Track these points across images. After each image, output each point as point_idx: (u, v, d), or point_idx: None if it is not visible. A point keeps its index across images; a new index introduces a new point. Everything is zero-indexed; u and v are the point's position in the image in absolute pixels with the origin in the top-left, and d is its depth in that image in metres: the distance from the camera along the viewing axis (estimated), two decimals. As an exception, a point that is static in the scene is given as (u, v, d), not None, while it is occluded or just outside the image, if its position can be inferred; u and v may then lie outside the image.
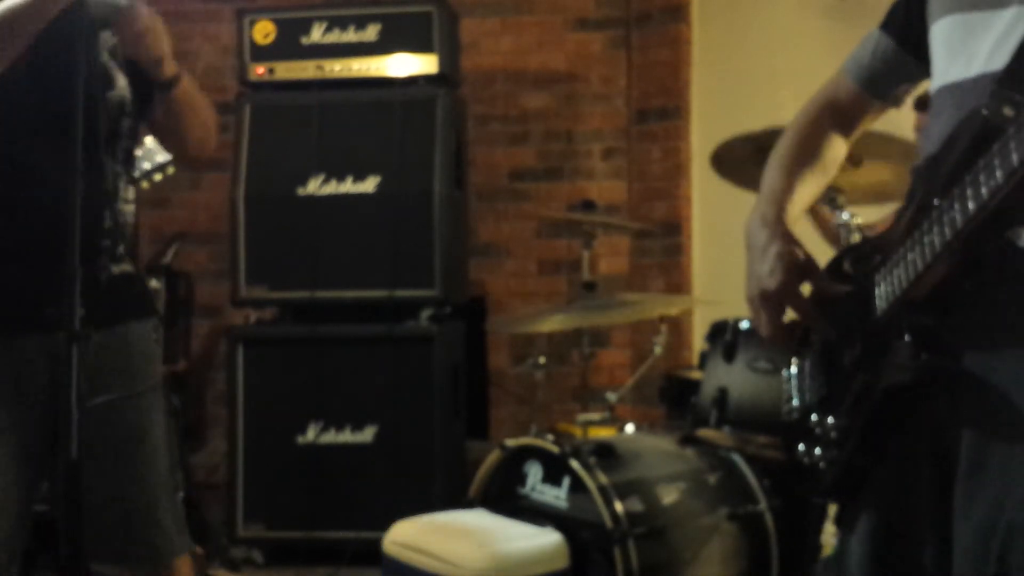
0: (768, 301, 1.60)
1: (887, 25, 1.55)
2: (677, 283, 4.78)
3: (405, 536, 2.90)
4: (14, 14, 1.87)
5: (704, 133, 4.79)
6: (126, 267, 2.09)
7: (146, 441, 2.07)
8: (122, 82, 2.07)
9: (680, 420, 3.39)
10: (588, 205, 3.84)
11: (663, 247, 4.81)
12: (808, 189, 1.63)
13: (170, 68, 2.00)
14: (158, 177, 3.08)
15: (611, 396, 3.77)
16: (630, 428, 3.47)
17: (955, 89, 1.32)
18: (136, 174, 3.08)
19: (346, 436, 3.90)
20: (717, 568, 2.93)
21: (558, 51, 4.89)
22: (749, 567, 2.98)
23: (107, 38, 2.07)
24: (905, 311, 1.29)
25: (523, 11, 4.89)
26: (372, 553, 3.08)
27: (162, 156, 3.08)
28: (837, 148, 1.60)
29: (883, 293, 1.34)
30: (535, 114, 4.90)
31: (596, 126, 4.88)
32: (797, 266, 1.55)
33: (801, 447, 1.49)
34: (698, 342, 4.51)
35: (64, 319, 1.66)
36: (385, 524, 3.01)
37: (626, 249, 4.85)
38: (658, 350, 3.84)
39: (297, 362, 3.96)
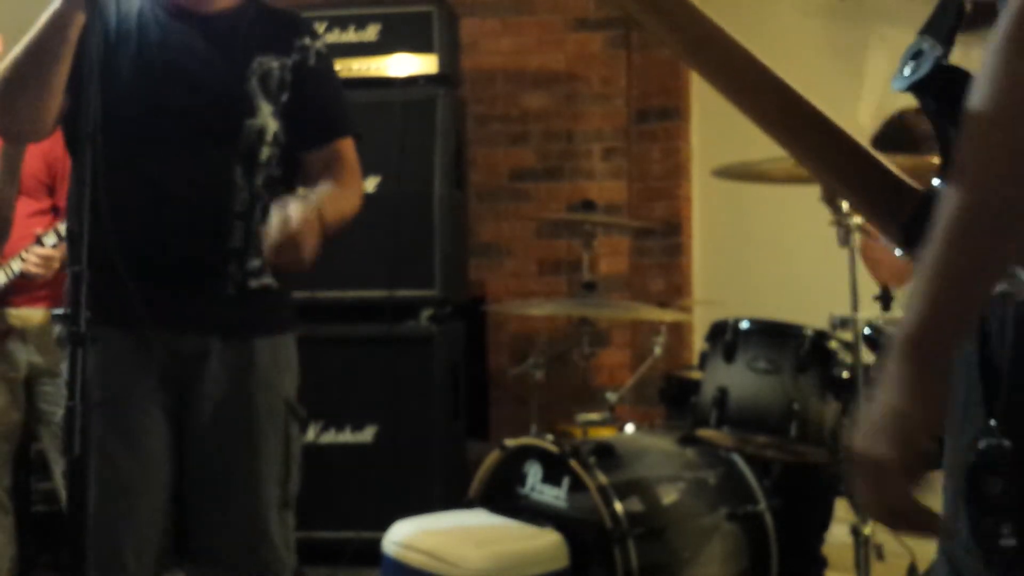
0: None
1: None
2: (677, 283, 4.78)
3: (405, 536, 2.90)
4: (36, 43, 1.94)
5: (704, 133, 4.80)
6: (267, 281, 2.15)
7: (255, 453, 2.10)
8: (267, 111, 2.12)
9: (680, 420, 3.39)
10: (588, 205, 3.84)
11: (663, 247, 4.81)
12: None
13: (317, 237, 1.95)
14: None
15: (611, 396, 3.78)
16: (630, 428, 3.47)
17: None
18: None
19: (346, 436, 3.90)
20: (717, 568, 2.93)
21: (558, 51, 4.89)
22: (749, 567, 2.98)
23: (260, 64, 2.12)
24: None
25: (523, 11, 4.89)
26: (372, 553, 3.08)
27: None
28: None
29: None
30: (535, 114, 4.90)
31: (596, 126, 4.87)
32: None
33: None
34: (698, 342, 4.51)
35: (76, 320, 1.70)
36: (385, 524, 3.01)
37: (626, 249, 4.85)
38: (658, 350, 3.85)
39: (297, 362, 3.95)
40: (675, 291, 4.76)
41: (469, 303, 4.37)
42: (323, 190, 2.10)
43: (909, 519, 1.03)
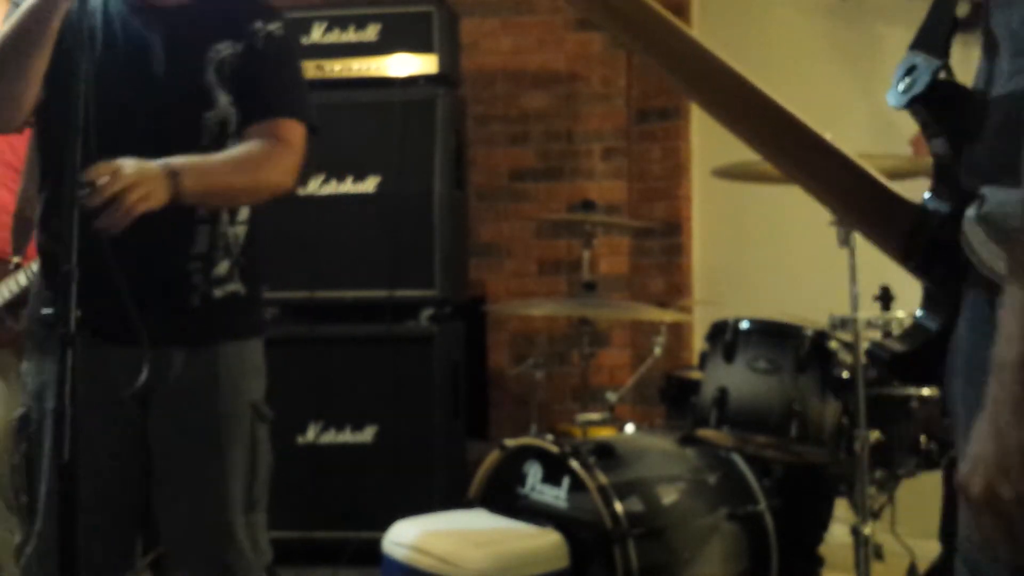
0: None
1: None
2: (677, 283, 4.79)
3: (405, 536, 2.90)
4: (18, 29, 1.90)
5: (704, 133, 4.80)
6: (234, 288, 2.12)
7: (220, 457, 2.10)
8: (224, 100, 2.08)
9: (680, 420, 3.39)
10: (588, 205, 3.84)
11: (663, 247, 4.82)
12: None
13: (159, 200, 1.88)
14: None
15: (611, 396, 3.78)
16: (630, 428, 3.47)
17: None
18: None
19: (346, 436, 3.90)
20: (717, 568, 2.93)
21: (558, 51, 4.89)
22: (749, 567, 2.98)
23: (216, 53, 2.08)
24: None
25: (523, 11, 4.89)
26: (372, 553, 3.08)
27: None
28: None
29: None
30: (535, 114, 4.89)
31: (596, 126, 4.87)
32: None
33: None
34: (698, 342, 4.51)
35: (63, 322, 1.67)
36: (385, 524, 3.01)
37: (626, 249, 4.85)
38: (658, 350, 3.85)
39: (297, 362, 3.96)
40: (675, 291, 4.76)
41: (469, 303, 4.37)
42: (215, 156, 2.02)
43: None
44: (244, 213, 2.15)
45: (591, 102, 4.88)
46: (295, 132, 2.14)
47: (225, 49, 2.10)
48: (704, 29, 4.81)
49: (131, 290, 1.89)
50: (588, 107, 4.88)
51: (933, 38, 1.15)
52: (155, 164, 1.89)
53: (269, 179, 2.08)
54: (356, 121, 4.00)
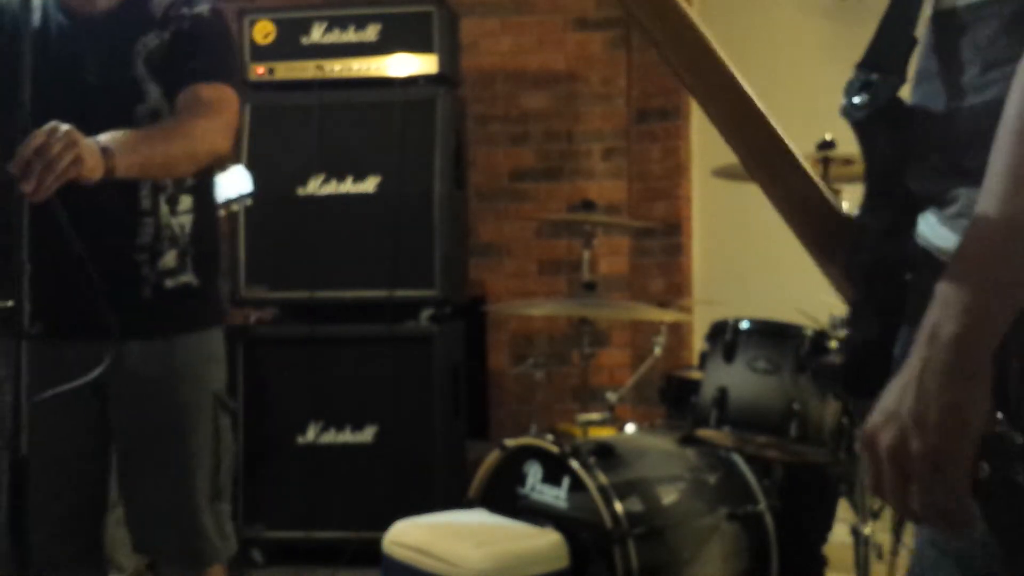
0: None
1: None
2: (677, 283, 4.79)
3: (405, 536, 2.90)
4: None
5: (704, 133, 4.80)
6: (186, 279, 2.13)
7: (183, 447, 2.11)
8: (156, 92, 2.09)
9: (680, 420, 3.39)
10: (588, 205, 3.84)
11: (663, 247, 4.82)
12: None
13: (91, 170, 1.84)
14: (235, 208, 3.23)
15: (611, 396, 3.78)
16: (630, 428, 3.47)
17: None
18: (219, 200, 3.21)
19: (346, 436, 3.90)
20: (717, 568, 2.93)
21: (558, 51, 4.89)
22: (749, 567, 2.98)
23: (144, 46, 2.08)
24: None
25: (523, 11, 4.89)
26: (372, 553, 3.08)
27: (244, 186, 3.18)
28: None
29: None
30: (535, 114, 4.90)
31: (596, 126, 4.87)
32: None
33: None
34: (698, 342, 4.51)
35: (17, 318, 1.68)
36: (385, 524, 3.01)
37: (626, 249, 4.85)
38: (658, 350, 3.85)
39: (297, 362, 3.96)
40: (675, 291, 4.76)
41: (469, 303, 4.37)
42: (143, 129, 2.00)
43: (954, 520, 0.93)
44: (186, 203, 2.15)
45: (591, 102, 4.88)
46: (222, 94, 2.11)
47: (152, 40, 2.10)
48: (704, 29, 4.80)
49: (82, 284, 1.92)
50: (588, 107, 4.88)
51: (889, 58, 1.19)
52: (73, 136, 1.84)
53: (202, 144, 2.06)
54: (356, 121, 4.00)
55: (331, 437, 3.90)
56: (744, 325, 3.03)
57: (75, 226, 1.91)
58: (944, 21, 1.15)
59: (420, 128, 3.96)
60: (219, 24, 2.22)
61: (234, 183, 3.29)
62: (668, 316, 4.00)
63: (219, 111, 2.09)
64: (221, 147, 2.10)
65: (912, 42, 1.18)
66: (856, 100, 1.20)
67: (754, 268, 4.53)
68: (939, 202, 1.11)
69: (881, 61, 1.21)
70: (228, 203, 3.28)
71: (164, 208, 2.11)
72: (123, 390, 2.09)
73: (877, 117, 1.19)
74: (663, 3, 1.33)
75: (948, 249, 1.06)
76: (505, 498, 3.02)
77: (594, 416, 3.69)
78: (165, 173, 2.06)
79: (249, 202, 3.30)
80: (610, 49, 4.86)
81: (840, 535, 3.22)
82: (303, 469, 3.88)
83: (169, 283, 2.12)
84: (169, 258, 2.11)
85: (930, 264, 1.08)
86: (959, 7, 1.12)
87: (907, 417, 0.94)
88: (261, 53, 4.07)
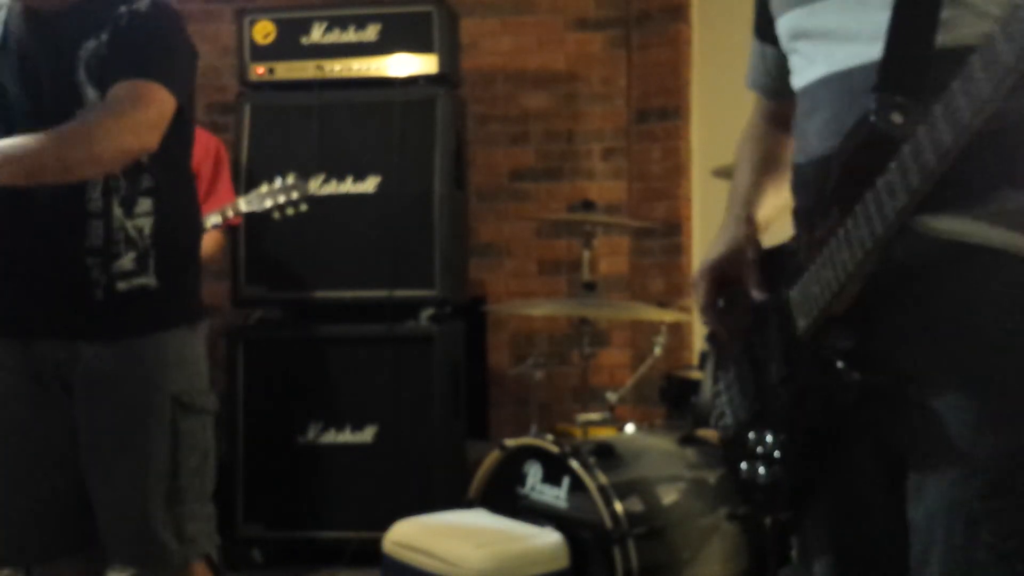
0: (703, 275, 1.61)
1: (758, 30, 1.57)
2: (677, 283, 4.78)
3: (405, 536, 2.90)
4: None
5: (704, 133, 4.79)
6: (143, 281, 2.11)
7: (133, 450, 2.10)
8: (92, 96, 2.06)
9: (680, 420, 3.39)
10: (588, 205, 3.84)
11: (663, 247, 4.81)
12: (774, 192, 1.61)
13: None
14: (290, 211, 3.26)
15: (611, 396, 3.78)
16: (630, 428, 3.47)
17: (828, 83, 1.34)
18: (269, 204, 3.20)
19: (346, 436, 3.90)
20: (717, 568, 2.93)
21: (558, 51, 4.89)
22: (748, 567, 2.98)
23: (86, 51, 2.07)
24: (828, 329, 1.30)
25: (523, 11, 4.89)
26: (372, 553, 3.08)
27: (297, 192, 3.21)
28: (791, 146, 1.55)
29: (802, 309, 1.35)
30: (535, 114, 4.90)
31: (596, 126, 4.88)
32: (742, 253, 1.52)
33: (744, 466, 1.46)
34: (698, 342, 4.51)
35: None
36: (385, 524, 3.01)
37: (626, 249, 4.85)
38: (658, 350, 3.84)
39: (297, 362, 3.96)
40: (675, 291, 4.76)
41: (469, 303, 4.37)
42: (38, 135, 1.92)
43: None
44: (145, 205, 2.11)
45: (591, 102, 4.88)
46: (144, 91, 2.02)
47: (92, 43, 2.07)
48: (704, 29, 4.81)
49: (30, 285, 1.96)
50: (588, 107, 4.88)
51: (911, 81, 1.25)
52: None
53: (107, 144, 1.96)
54: (356, 121, 4.00)
55: (331, 437, 3.90)
56: (744, 325, 3.02)
57: (26, 227, 1.92)
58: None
59: (420, 128, 3.96)
60: (157, 18, 2.12)
61: (288, 190, 3.33)
62: (668, 316, 4.00)
63: (136, 108, 1.99)
64: (134, 146, 1.99)
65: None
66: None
67: (754, 268, 4.53)
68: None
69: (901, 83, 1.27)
70: (284, 207, 3.31)
71: (118, 210, 2.08)
72: (81, 390, 2.10)
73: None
74: None
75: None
76: (505, 498, 3.02)
77: (594, 416, 3.69)
78: (63, 177, 1.97)
79: (305, 207, 3.33)
80: (610, 49, 4.86)
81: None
82: (303, 469, 3.88)
83: (122, 285, 2.09)
84: (126, 260, 2.08)
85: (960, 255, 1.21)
86: None
87: None
88: (261, 53, 4.06)
